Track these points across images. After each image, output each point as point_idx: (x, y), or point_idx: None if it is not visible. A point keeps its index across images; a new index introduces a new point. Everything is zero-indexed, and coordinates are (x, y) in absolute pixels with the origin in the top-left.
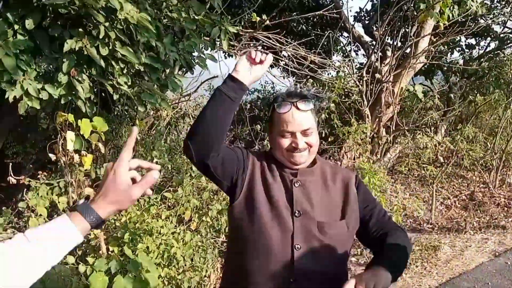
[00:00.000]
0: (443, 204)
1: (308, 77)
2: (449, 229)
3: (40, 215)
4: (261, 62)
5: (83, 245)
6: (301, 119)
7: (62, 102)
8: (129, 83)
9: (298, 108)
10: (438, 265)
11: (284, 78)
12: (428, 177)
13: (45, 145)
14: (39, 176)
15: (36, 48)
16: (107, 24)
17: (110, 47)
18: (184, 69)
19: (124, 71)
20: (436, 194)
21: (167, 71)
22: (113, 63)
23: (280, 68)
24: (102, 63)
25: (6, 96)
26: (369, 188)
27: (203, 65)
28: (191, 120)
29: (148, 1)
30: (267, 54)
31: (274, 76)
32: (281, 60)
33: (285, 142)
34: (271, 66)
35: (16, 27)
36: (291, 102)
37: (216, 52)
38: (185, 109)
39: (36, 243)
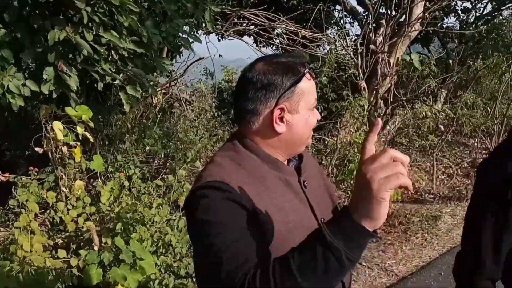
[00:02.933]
0: (445, 173)
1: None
2: (450, 198)
3: (31, 210)
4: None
5: (77, 239)
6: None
7: (54, 96)
8: (113, 70)
9: (312, 76)
10: (438, 235)
11: None
12: (428, 147)
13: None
14: (29, 172)
15: (17, 43)
16: (88, 8)
17: (94, 33)
18: (173, 53)
19: (109, 58)
20: (437, 164)
21: (153, 55)
22: (98, 48)
23: (274, 48)
24: (90, 50)
25: None
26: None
27: (188, 47)
28: (183, 105)
29: None
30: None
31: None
32: (275, 39)
33: (313, 120)
34: (265, 46)
35: None
36: (310, 69)
37: (203, 33)
38: (177, 94)
39: None
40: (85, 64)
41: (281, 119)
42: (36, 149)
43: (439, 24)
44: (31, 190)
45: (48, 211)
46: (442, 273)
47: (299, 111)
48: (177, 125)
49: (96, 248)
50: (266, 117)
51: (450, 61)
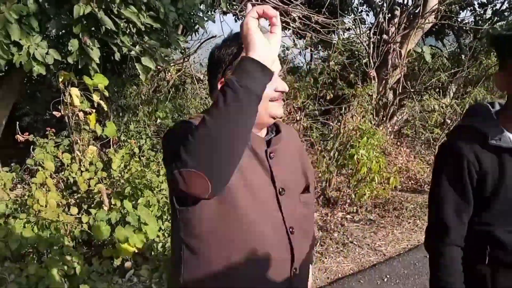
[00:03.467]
0: None
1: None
2: None
3: (47, 169)
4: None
5: (88, 200)
6: (276, 61)
7: (80, 67)
8: (130, 43)
9: None
10: None
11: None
12: (433, 140)
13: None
14: (47, 133)
15: (44, 13)
16: None
17: (116, 8)
18: (187, 31)
19: (127, 31)
20: None
21: (168, 30)
22: (118, 21)
23: (290, 32)
24: (112, 25)
25: (14, 60)
26: (367, 149)
27: (202, 25)
28: (194, 81)
29: None
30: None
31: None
32: (290, 23)
33: (268, 88)
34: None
35: None
36: None
37: (216, 12)
38: (189, 71)
39: None
40: (105, 36)
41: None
42: (54, 113)
43: (453, 18)
44: (48, 150)
45: (62, 172)
46: (427, 256)
47: None
48: (188, 101)
49: (106, 208)
50: None
51: (463, 56)
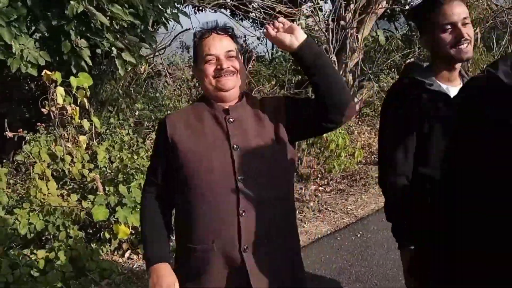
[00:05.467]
0: None
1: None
2: None
3: (44, 160)
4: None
5: (82, 187)
6: (223, 42)
7: (72, 66)
8: (112, 39)
9: (217, 33)
10: None
11: (255, 30)
12: None
13: (32, 103)
14: (38, 128)
15: (33, 16)
16: None
17: (105, 6)
18: (156, 26)
19: (111, 28)
20: None
21: (146, 27)
22: (104, 20)
23: (250, 20)
24: (105, 20)
25: (9, 63)
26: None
27: (177, 20)
28: (167, 76)
29: None
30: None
31: (245, 28)
32: (251, 12)
33: (210, 67)
34: (241, 19)
35: None
36: (211, 30)
37: (185, 6)
38: (161, 66)
39: None
40: (93, 34)
41: (196, 74)
42: (43, 110)
43: (403, 1)
44: (42, 143)
45: (54, 164)
46: None
47: (198, 64)
48: (162, 93)
49: (101, 194)
50: None
51: (414, 36)
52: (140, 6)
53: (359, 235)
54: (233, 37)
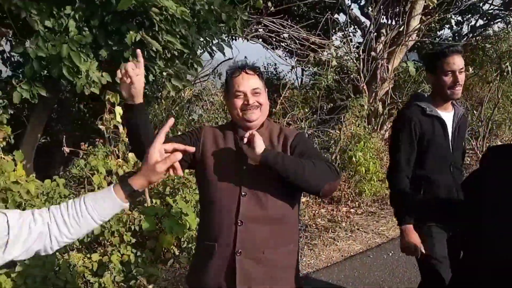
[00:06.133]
0: None
1: (309, 56)
2: None
3: (101, 173)
4: (126, 73)
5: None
6: (250, 81)
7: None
8: (162, 66)
9: (246, 72)
10: None
11: (286, 59)
12: None
13: (82, 123)
14: (96, 143)
15: (97, 43)
16: (158, 18)
17: (160, 36)
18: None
19: (163, 56)
20: None
21: (194, 55)
22: (159, 47)
23: (282, 49)
24: (160, 48)
25: (74, 83)
26: (365, 152)
27: (222, 51)
28: (204, 100)
29: None
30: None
31: (279, 56)
32: (283, 42)
33: (239, 101)
34: (274, 48)
35: (80, 25)
36: (241, 68)
37: (228, 37)
38: (200, 90)
39: (89, 206)
40: (149, 61)
41: (226, 104)
42: (100, 126)
43: (433, 35)
44: (99, 157)
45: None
46: None
47: (229, 97)
48: (201, 116)
49: (148, 205)
50: None
51: None
52: (190, 36)
53: (390, 254)
54: (260, 75)
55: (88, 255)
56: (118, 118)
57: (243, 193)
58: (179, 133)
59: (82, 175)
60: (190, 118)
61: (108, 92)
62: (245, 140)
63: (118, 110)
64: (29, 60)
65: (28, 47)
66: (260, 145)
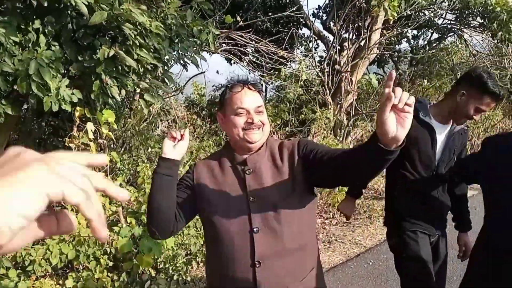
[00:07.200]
0: None
1: (274, 70)
2: None
3: None
4: (182, 137)
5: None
6: (254, 97)
7: (98, 104)
8: (136, 80)
9: (249, 88)
10: None
11: (249, 72)
12: None
13: (43, 142)
14: None
15: (67, 58)
16: (133, 32)
17: (134, 51)
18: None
19: (136, 71)
20: None
21: (167, 69)
22: (132, 63)
23: (246, 63)
24: (134, 64)
25: (44, 101)
26: None
27: (196, 64)
28: (175, 114)
29: (155, 13)
30: (184, 129)
31: (248, 69)
32: (249, 55)
33: (241, 120)
34: (242, 61)
35: (50, 39)
36: (244, 83)
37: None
38: (169, 104)
39: None
40: (120, 75)
41: (221, 122)
42: (70, 145)
43: (393, 49)
44: None
45: None
46: None
47: (227, 114)
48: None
49: (123, 226)
50: None
51: (402, 81)
52: (163, 50)
53: (370, 263)
54: (261, 92)
55: (61, 282)
56: (90, 135)
57: (255, 229)
58: (149, 149)
59: None
60: (155, 133)
61: (77, 109)
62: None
63: (90, 126)
64: None
65: None
66: (408, 128)
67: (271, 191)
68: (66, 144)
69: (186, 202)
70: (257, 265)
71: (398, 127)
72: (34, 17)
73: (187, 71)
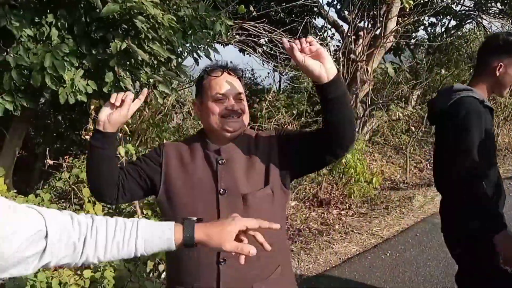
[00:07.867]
0: (417, 168)
1: (288, 60)
2: (421, 185)
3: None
4: (122, 103)
5: (118, 211)
6: (234, 83)
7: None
8: (150, 73)
9: (229, 73)
10: (413, 209)
11: (263, 65)
12: (402, 144)
13: (60, 135)
14: (79, 155)
15: (81, 51)
16: (145, 26)
17: (146, 44)
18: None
19: (150, 63)
20: (409, 160)
21: (180, 61)
22: (146, 56)
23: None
24: (145, 57)
25: (59, 92)
26: (352, 154)
27: (209, 57)
28: (189, 106)
29: (167, 4)
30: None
31: (261, 60)
32: (262, 46)
33: (219, 106)
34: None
35: (63, 33)
36: (223, 68)
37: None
38: (183, 97)
39: (140, 239)
40: (133, 68)
41: (197, 109)
42: (86, 136)
43: (410, 37)
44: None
45: None
46: (417, 234)
47: (204, 100)
48: (186, 123)
49: (140, 217)
50: None
51: (420, 69)
52: (176, 42)
53: (388, 254)
54: (242, 79)
55: (79, 272)
56: None
57: None
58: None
59: (65, 189)
60: (170, 125)
61: (92, 101)
62: (296, 48)
63: None
64: (9, 69)
65: (8, 56)
66: (330, 58)
67: (243, 184)
68: (82, 137)
69: (140, 180)
70: (221, 262)
71: (320, 62)
72: (48, 10)
73: (198, 65)
